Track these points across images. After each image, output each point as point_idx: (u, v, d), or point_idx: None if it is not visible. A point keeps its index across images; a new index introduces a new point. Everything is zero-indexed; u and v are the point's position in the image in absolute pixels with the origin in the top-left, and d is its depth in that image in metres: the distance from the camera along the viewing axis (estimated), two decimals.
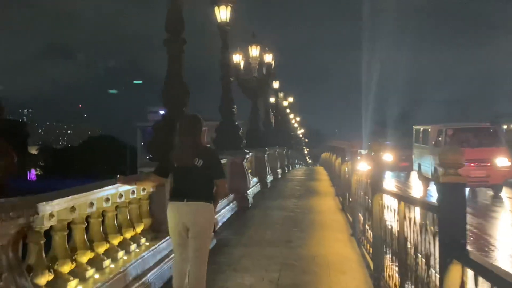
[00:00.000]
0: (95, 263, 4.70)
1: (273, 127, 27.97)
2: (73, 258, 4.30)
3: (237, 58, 17.64)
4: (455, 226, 2.59)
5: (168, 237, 6.46)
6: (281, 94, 33.59)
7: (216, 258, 6.67)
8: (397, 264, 4.49)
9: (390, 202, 4.88)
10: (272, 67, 19.91)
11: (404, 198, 4.01)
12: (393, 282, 4.66)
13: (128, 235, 5.64)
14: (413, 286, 3.75)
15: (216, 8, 12.73)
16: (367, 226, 6.93)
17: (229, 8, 12.72)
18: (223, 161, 10.18)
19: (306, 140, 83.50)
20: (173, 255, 6.33)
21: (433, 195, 15.79)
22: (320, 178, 23.36)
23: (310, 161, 67.28)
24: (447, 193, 2.62)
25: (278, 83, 29.56)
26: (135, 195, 5.80)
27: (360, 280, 6.01)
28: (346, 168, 11.15)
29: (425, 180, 17.88)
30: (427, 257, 3.20)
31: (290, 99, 40.27)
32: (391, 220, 4.79)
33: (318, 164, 45.53)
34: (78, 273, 4.31)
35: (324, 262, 6.81)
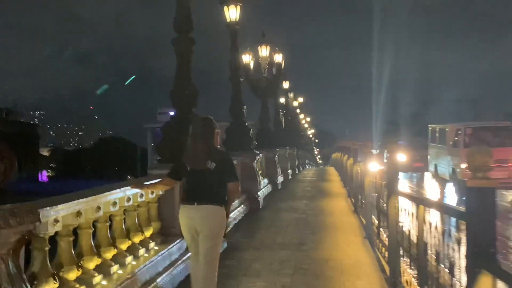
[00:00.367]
0: (103, 269, 4.56)
1: (283, 128, 27.76)
2: (80, 264, 4.15)
3: (246, 58, 17.47)
4: (484, 233, 2.41)
5: (177, 241, 6.35)
6: (291, 94, 33.37)
7: (227, 262, 6.51)
8: (415, 270, 4.29)
9: (407, 205, 4.69)
10: (282, 67, 19.72)
11: (424, 202, 3.81)
12: None
13: (137, 239, 5.51)
14: None
15: (225, 8, 12.58)
16: (381, 229, 6.73)
17: (238, 7, 12.57)
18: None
19: (316, 140, 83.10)
20: (183, 259, 6.24)
21: (449, 197, 15.47)
22: (331, 179, 23.13)
23: (320, 161, 66.93)
24: (476, 198, 2.43)
25: (288, 83, 29.36)
26: (143, 198, 5.66)
27: (376, 285, 5.82)
28: (359, 169, 10.95)
29: (442, 181, 17.40)
30: (451, 265, 3.01)
31: (300, 99, 40.02)
32: (408, 223, 4.60)
33: (328, 164, 45.22)
34: (84, 280, 4.17)
35: (338, 266, 6.63)
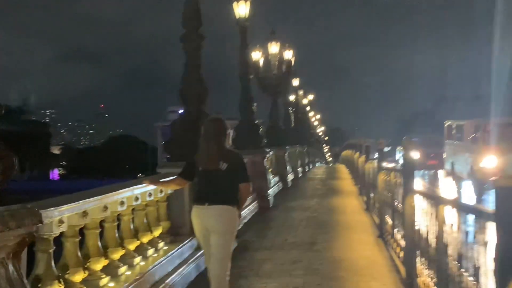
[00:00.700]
0: (110, 270, 4.43)
1: (293, 126, 27.56)
2: (86, 266, 4.02)
3: (256, 56, 17.30)
4: None
5: (187, 240, 6.22)
6: (301, 92, 33.14)
7: (237, 262, 6.34)
8: (434, 272, 4.11)
9: (425, 204, 4.50)
10: (292, 64, 19.51)
11: (445, 201, 3.62)
12: None
13: (145, 239, 5.38)
14: None
15: (234, 4, 12.42)
16: (396, 229, 6.55)
17: (248, 3, 12.40)
18: None
19: (326, 138, 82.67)
20: (193, 259, 6.11)
21: (466, 196, 15.01)
22: (342, 177, 22.91)
23: (330, 159, 66.59)
24: (508, 199, 2.25)
25: (298, 81, 29.13)
26: (152, 198, 5.53)
27: (391, 286, 5.64)
28: (371, 167, 10.75)
29: (458, 180, 16.65)
30: (475, 269, 2.83)
31: (310, 97, 39.75)
32: (426, 223, 4.41)
33: (338, 162, 44.92)
34: (91, 282, 4.05)
35: (351, 267, 6.46)
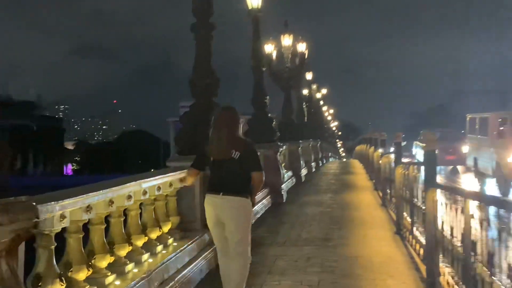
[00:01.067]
0: (116, 267, 4.23)
1: (306, 120, 27.24)
2: (90, 263, 3.83)
3: (269, 48, 17.02)
4: None
5: (198, 236, 6.02)
6: (314, 86, 32.78)
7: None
8: (459, 272, 3.85)
9: (449, 199, 4.24)
10: (306, 57, 19.18)
11: (474, 196, 3.36)
12: None
13: (154, 235, 5.17)
14: None
15: None
16: (415, 225, 6.28)
17: None
18: None
19: (340, 133, 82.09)
20: (204, 255, 5.90)
21: (491, 193, 14.41)
22: (356, 172, 22.58)
23: (343, 154, 66.11)
24: None
25: (311, 74, 28.79)
26: (161, 191, 5.33)
27: (410, 285, 5.37)
28: (387, 161, 10.46)
29: (482, 176, 15.84)
30: (510, 269, 2.58)
31: (324, 91, 39.36)
32: (450, 220, 4.15)
33: (352, 157, 44.50)
34: (95, 280, 3.85)
35: (368, 264, 6.20)
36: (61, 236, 3.55)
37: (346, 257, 6.58)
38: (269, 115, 13.47)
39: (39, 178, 50.48)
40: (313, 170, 22.00)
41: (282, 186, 12.39)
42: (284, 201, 12.04)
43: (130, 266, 4.40)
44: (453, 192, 4.10)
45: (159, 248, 5.16)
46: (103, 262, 4.01)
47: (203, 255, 5.84)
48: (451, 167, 21.51)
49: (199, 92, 7.28)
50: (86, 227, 3.91)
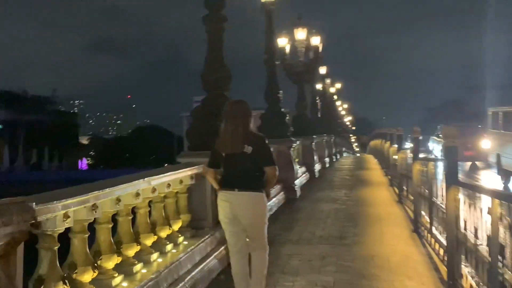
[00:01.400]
0: (124, 268, 4.08)
1: (320, 115, 26.94)
2: (97, 264, 3.67)
3: (282, 42, 16.76)
4: None
5: (209, 234, 5.85)
6: (328, 80, 32.42)
7: None
8: (484, 276, 3.63)
9: (472, 198, 4.01)
10: (320, 51, 18.87)
11: (502, 195, 3.14)
12: None
13: (163, 233, 5.02)
14: None
15: None
16: (434, 224, 6.04)
17: None
18: None
19: (354, 128, 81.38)
20: (215, 254, 5.73)
21: None
22: (370, 167, 22.28)
23: (357, 149, 65.55)
24: None
25: (325, 69, 28.45)
26: (170, 189, 5.16)
27: (430, 287, 5.17)
28: (404, 156, 10.20)
29: (506, 174, 15.25)
30: None
31: (338, 86, 38.93)
32: (474, 220, 3.92)
33: (366, 152, 44.06)
34: (102, 281, 3.71)
35: (385, 264, 5.99)
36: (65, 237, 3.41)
37: (362, 256, 6.37)
38: (282, 110, 13.25)
39: (55, 173, 50.77)
40: (327, 165, 21.74)
41: (295, 182, 12.19)
42: (298, 197, 11.84)
43: (138, 267, 4.25)
44: (478, 191, 3.87)
45: (169, 247, 5.01)
46: (110, 262, 3.86)
47: (215, 254, 5.67)
48: (470, 163, 20.87)
49: (210, 86, 7.10)
50: (92, 227, 3.77)
